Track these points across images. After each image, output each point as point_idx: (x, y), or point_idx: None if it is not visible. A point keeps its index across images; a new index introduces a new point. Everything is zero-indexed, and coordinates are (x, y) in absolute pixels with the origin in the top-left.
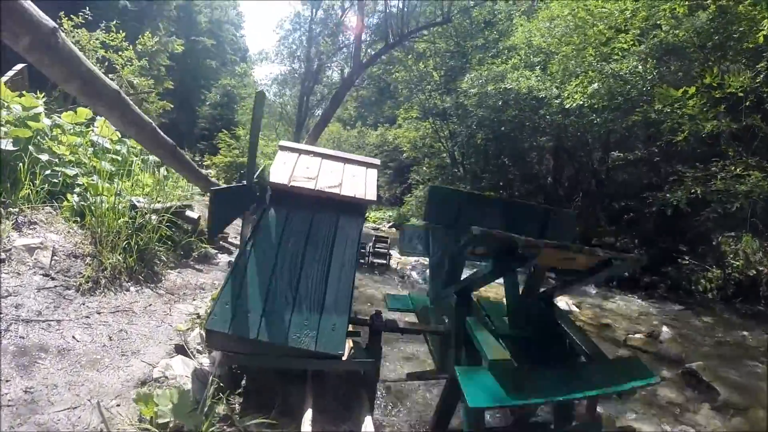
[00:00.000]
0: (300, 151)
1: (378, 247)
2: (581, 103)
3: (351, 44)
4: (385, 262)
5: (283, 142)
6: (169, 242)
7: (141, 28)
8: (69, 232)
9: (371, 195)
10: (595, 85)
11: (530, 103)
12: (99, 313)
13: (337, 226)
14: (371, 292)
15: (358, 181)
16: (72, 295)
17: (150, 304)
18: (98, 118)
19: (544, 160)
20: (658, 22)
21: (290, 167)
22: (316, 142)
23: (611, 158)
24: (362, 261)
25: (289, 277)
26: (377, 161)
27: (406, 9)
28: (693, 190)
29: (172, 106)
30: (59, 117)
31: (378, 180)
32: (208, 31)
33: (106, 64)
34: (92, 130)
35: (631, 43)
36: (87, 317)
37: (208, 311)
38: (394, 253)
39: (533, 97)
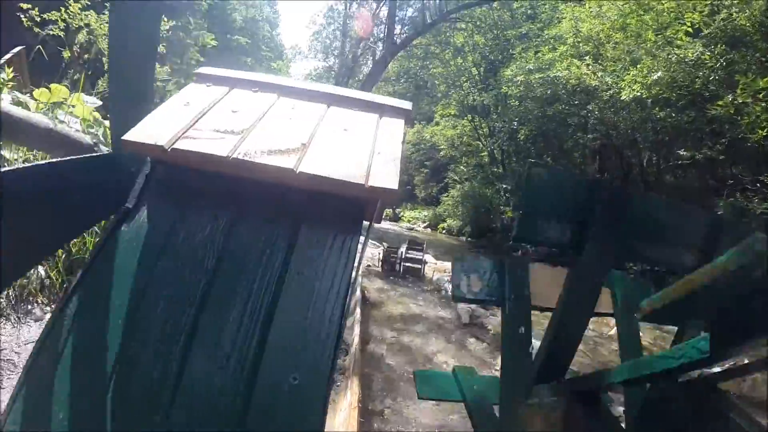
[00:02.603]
0: (236, 82)
1: (411, 252)
2: (639, 94)
3: (384, 27)
4: (419, 267)
5: (205, 69)
6: None
7: (169, 22)
8: None
9: (385, 178)
10: (659, 74)
11: (579, 96)
12: None
13: (290, 251)
14: (397, 310)
15: (355, 145)
16: None
17: None
18: (74, 94)
19: (589, 160)
20: (725, 2)
21: (195, 111)
22: None
23: (666, 157)
24: (393, 267)
25: (163, 367)
26: (406, 105)
27: None
28: None
29: None
30: (30, 96)
31: (404, 143)
32: (242, 29)
33: None
34: (63, 110)
35: (698, 25)
36: None
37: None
38: (430, 258)
39: (582, 89)
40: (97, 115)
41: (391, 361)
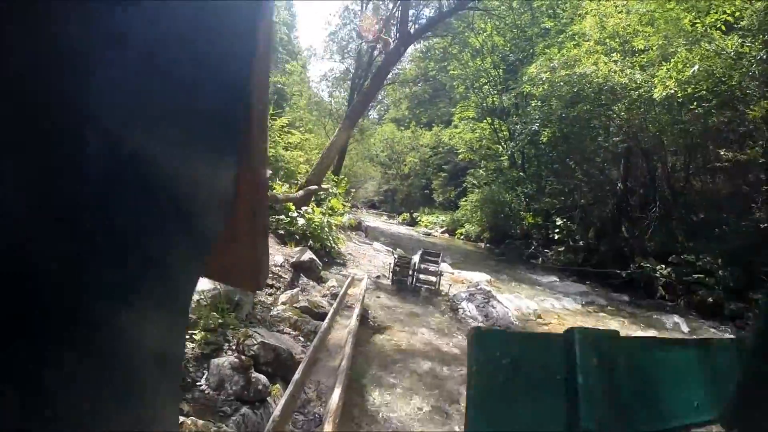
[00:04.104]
0: None
1: (426, 264)
2: (673, 92)
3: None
4: (434, 281)
5: None
6: None
7: None
8: None
9: None
10: (695, 68)
11: (606, 95)
12: None
13: None
14: (403, 338)
15: None
16: None
17: None
18: None
19: (615, 163)
20: None
21: None
22: (353, 127)
23: (696, 161)
24: (404, 279)
25: None
26: None
27: None
28: None
29: None
30: None
31: None
32: None
33: None
34: None
35: (737, 13)
36: None
37: None
38: (446, 267)
39: (609, 88)
40: None
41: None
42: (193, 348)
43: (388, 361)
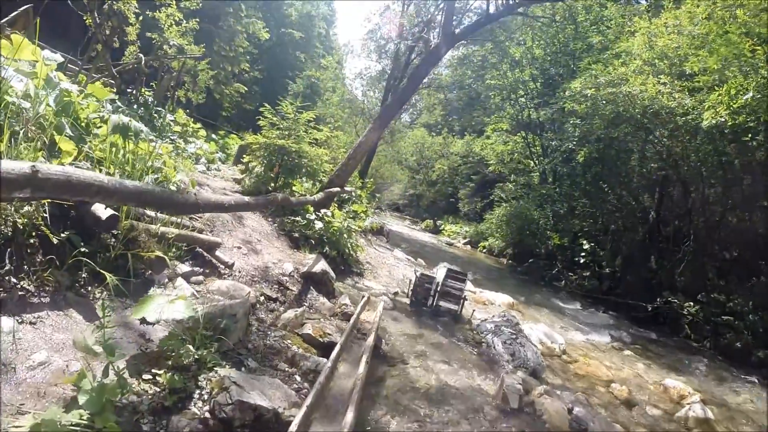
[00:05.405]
0: None
1: (450, 285)
2: (723, 120)
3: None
4: (456, 308)
5: None
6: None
7: (221, 8)
8: None
9: None
10: (749, 95)
11: (649, 118)
12: None
13: None
14: (419, 374)
15: None
16: None
17: None
18: (31, 47)
19: (649, 190)
20: None
21: None
22: (385, 128)
23: (734, 195)
24: (425, 301)
25: None
26: None
27: None
28: None
29: (246, 88)
30: None
31: None
32: (298, 23)
33: (140, 18)
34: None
35: None
36: None
37: None
38: (469, 285)
39: (654, 111)
40: (62, 76)
41: None
42: (152, 396)
43: (400, 403)
